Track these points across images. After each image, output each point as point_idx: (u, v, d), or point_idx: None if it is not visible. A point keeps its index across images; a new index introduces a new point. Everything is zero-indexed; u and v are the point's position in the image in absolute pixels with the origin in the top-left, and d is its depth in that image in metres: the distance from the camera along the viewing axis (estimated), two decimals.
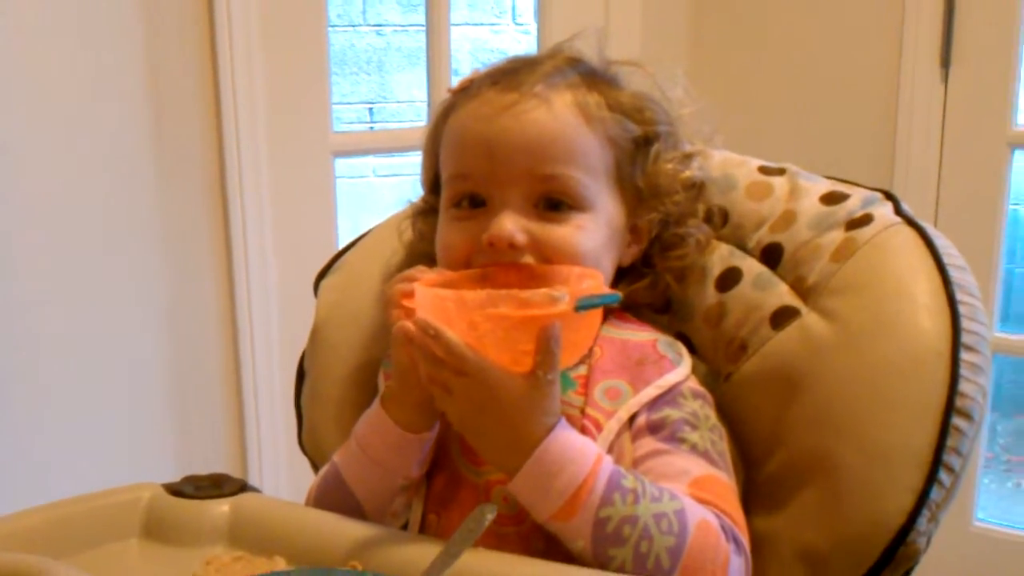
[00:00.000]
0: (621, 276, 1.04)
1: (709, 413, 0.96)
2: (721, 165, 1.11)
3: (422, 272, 0.95)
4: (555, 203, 0.95)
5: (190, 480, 0.94)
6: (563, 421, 0.86)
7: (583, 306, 0.84)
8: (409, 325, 0.84)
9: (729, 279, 1.06)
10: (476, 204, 0.96)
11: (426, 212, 1.07)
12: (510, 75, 0.98)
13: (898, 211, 1.04)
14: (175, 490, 0.91)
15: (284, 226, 1.99)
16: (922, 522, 0.90)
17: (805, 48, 2.27)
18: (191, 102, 1.89)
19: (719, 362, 1.06)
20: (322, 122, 2.03)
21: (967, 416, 0.92)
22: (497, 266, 0.94)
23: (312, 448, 1.10)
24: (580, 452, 0.84)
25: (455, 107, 1.00)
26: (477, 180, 0.96)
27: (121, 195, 1.85)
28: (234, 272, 1.95)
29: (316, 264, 1.15)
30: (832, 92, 2.26)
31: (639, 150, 1.01)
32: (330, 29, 2.95)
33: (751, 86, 2.30)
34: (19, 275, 1.77)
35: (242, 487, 0.93)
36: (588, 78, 1.01)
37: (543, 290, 0.83)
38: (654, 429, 0.92)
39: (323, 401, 1.07)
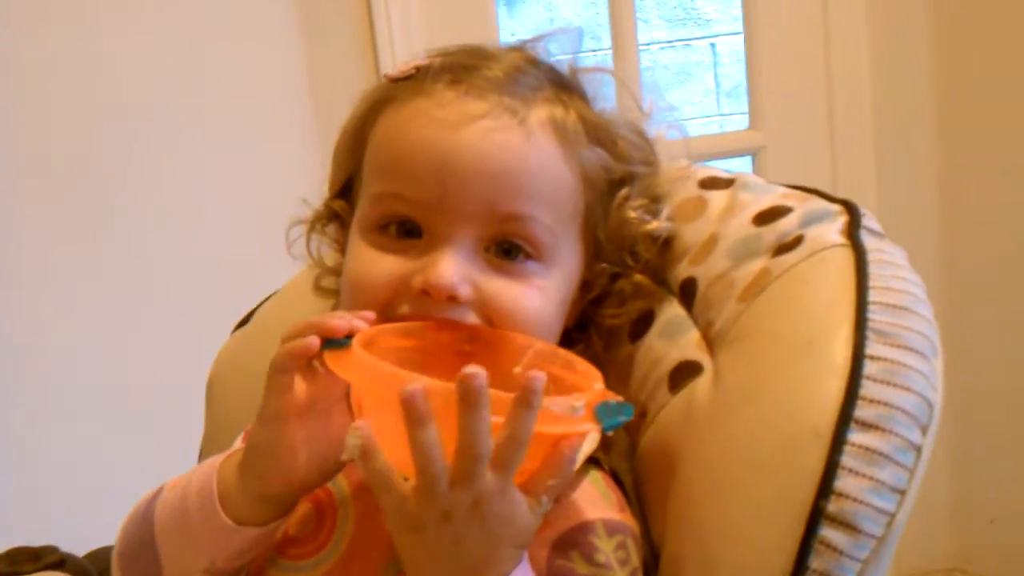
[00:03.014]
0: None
1: (630, 554, 0.72)
2: (665, 178, 0.87)
3: (339, 318, 0.67)
4: (509, 248, 0.74)
5: (16, 552, 0.90)
6: (525, 560, 0.65)
7: (612, 425, 0.62)
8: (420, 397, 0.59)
9: (641, 325, 0.83)
10: (408, 232, 0.75)
11: (329, 221, 0.86)
12: (472, 73, 0.76)
13: (851, 230, 0.75)
14: None
15: None
16: None
17: None
18: None
19: (631, 431, 0.83)
20: None
21: (847, 527, 0.63)
22: (428, 321, 0.72)
23: None
24: None
25: (394, 100, 0.77)
26: (418, 205, 0.73)
27: None
28: None
29: None
30: None
31: (609, 192, 0.80)
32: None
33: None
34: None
35: (51, 565, 0.86)
36: (559, 87, 0.80)
37: (562, 399, 0.62)
38: None
39: None
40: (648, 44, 2.82)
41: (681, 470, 0.73)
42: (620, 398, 0.65)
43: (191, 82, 1.86)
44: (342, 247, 0.84)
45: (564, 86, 0.80)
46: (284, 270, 1.09)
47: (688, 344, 0.78)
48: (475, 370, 0.58)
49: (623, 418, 0.63)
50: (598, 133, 0.79)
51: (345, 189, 0.84)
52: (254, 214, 1.76)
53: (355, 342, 0.65)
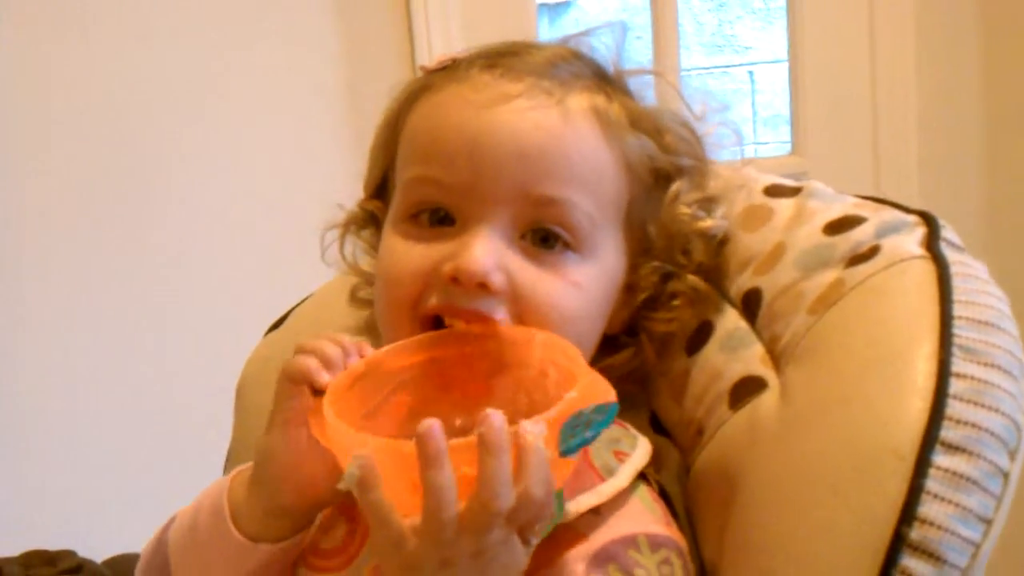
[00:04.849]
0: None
1: (675, 571, 0.67)
2: (724, 186, 0.83)
3: (328, 348, 0.66)
4: (546, 236, 0.70)
5: (31, 555, 0.86)
6: None
7: (572, 448, 0.57)
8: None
9: (699, 337, 0.78)
10: (441, 220, 0.71)
11: (363, 223, 0.83)
12: (511, 58, 0.73)
13: (930, 242, 0.71)
14: None
15: None
16: None
17: None
18: None
19: (685, 450, 0.79)
20: None
21: (931, 556, 0.58)
22: (451, 328, 0.68)
23: None
24: None
25: (428, 89, 0.74)
26: (448, 188, 0.69)
27: None
28: None
29: None
30: None
31: (657, 185, 0.76)
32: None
33: None
34: None
35: (67, 570, 0.82)
36: (601, 79, 0.76)
37: (512, 428, 0.56)
38: None
39: None
40: (687, 70, 2.79)
41: (742, 492, 0.68)
42: (609, 396, 0.59)
43: (224, 84, 1.83)
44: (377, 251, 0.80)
45: (607, 79, 0.77)
46: (317, 275, 1.07)
47: (751, 359, 0.74)
48: (494, 413, 0.54)
49: (590, 434, 0.57)
50: (643, 123, 0.75)
51: (381, 189, 0.81)
52: (288, 217, 1.72)
53: (326, 402, 0.61)
